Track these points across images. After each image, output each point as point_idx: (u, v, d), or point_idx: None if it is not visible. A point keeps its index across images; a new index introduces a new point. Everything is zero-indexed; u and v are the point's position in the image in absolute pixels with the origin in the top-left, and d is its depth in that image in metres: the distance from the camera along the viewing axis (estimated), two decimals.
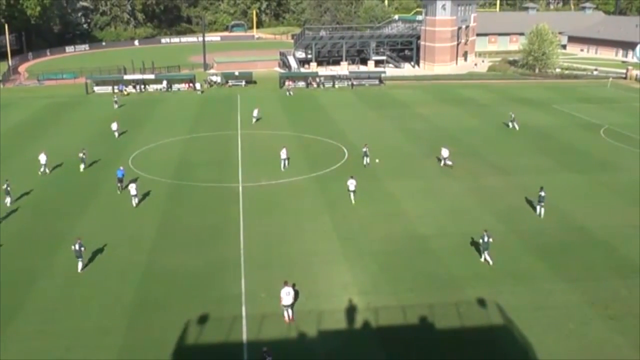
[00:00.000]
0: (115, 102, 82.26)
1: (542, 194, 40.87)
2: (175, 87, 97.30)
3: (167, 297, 30.97)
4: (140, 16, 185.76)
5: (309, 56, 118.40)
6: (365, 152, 52.95)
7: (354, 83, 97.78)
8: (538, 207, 41.29)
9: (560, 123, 69.01)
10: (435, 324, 28.42)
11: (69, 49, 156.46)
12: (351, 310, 29.46)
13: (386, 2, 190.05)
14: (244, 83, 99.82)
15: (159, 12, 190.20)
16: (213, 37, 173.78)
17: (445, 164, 52.16)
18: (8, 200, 43.84)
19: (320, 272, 33.42)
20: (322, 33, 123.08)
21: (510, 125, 66.86)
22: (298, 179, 49.27)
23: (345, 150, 57.16)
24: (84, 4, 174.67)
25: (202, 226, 39.74)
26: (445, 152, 52.68)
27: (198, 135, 64.95)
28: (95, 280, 32.82)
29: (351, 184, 43.75)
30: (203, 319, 28.84)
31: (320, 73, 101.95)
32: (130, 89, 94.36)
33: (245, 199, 44.71)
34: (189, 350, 26.80)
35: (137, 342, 27.25)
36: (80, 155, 53.10)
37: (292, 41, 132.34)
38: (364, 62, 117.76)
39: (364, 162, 52.74)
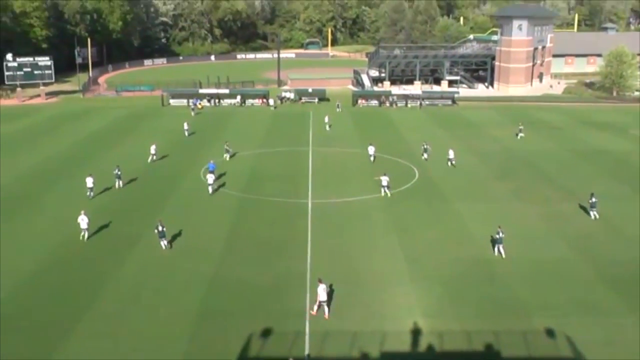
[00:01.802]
0: (192, 109, 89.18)
1: (594, 200, 44.17)
2: (249, 102, 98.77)
3: (232, 308, 31.36)
4: (217, 32, 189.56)
5: (383, 75, 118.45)
6: (426, 148, 60.86)
7: (427, 103, 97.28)
8: (592, 213, 44.30)
9: (637, 149, 66.82)
10: (501, 351, 27.83)
11: (148, 62, 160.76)
12: (415, 333, 29.16)
13: (461, 21, 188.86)
14: (317, 100, 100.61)
15: (236, 28, 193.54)
16: (288, 54, 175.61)
17: (452, 164, 58.15)
18: (120, 183, 51.60)
19: (385, 292, 33.25)
20: (396, 52, 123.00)
21: (518, 135, 71.94)
22: (367, 197, 49.21)
23: (416, 171, 56.81)
24: (164, 19, 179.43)
25: (269, 240, 40.14)
26: (451, 153, 58.65)
27: (269, 150, 65.73)
28: (162, 287, 33.60)
29: (384, 179, 49.14)
30: (266, 333, 29.05)
31: (393, 92, 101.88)
32: (205, 102, 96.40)
33: (314, 215, 44.94)
34: None
35: (199, 351, 27.65)
36: (225, 147, 61.15)
37: (366, 59, 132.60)
38: (437, 81, 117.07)
39: (423, 157, 60.54)
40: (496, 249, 37.84)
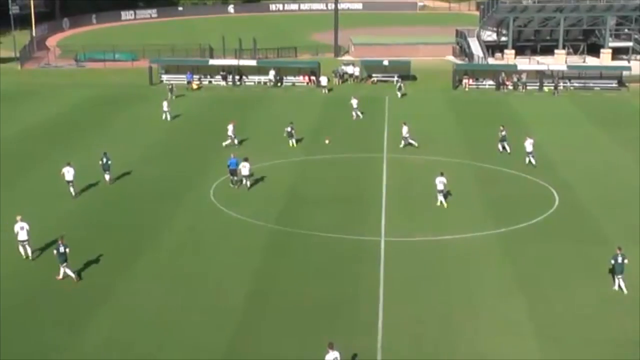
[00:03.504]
0: (170, 90, 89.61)
1: None
2: (289, 80, 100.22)
3: None
4: None
5: (504, 39, 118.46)
6: (504, 136, 68.19)
7: (574, 85, 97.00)
8: None
9: None
10: None
11: (127, 15, 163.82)
12: None
13: None
14: (395, 78, 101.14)
15: None
16: (350, 4, 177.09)
17: (530, 162, 63.81)
18: (108, 176, 59.08)
19: None
20: (527, 1, 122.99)
21: None
22: (474, 235, 49.45)
23: (555, 194, 56.83)
24: None
25: (317, 300, 40.40)
26: (529, 146, 64.21)
27: (319, 157, 66.60)
28: None
29: (440, 182, 54.25)
30: None
31: (520, 67, 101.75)
32: (219, 80, 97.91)
33: (389, 260, 45.24)
34: None
35: None
36: (288, 129, 70.25)
37: (477, 14, 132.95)
38: (593, 50, 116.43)
39: (499, 148, 68.28)
40: (616, 282, 41.10)
